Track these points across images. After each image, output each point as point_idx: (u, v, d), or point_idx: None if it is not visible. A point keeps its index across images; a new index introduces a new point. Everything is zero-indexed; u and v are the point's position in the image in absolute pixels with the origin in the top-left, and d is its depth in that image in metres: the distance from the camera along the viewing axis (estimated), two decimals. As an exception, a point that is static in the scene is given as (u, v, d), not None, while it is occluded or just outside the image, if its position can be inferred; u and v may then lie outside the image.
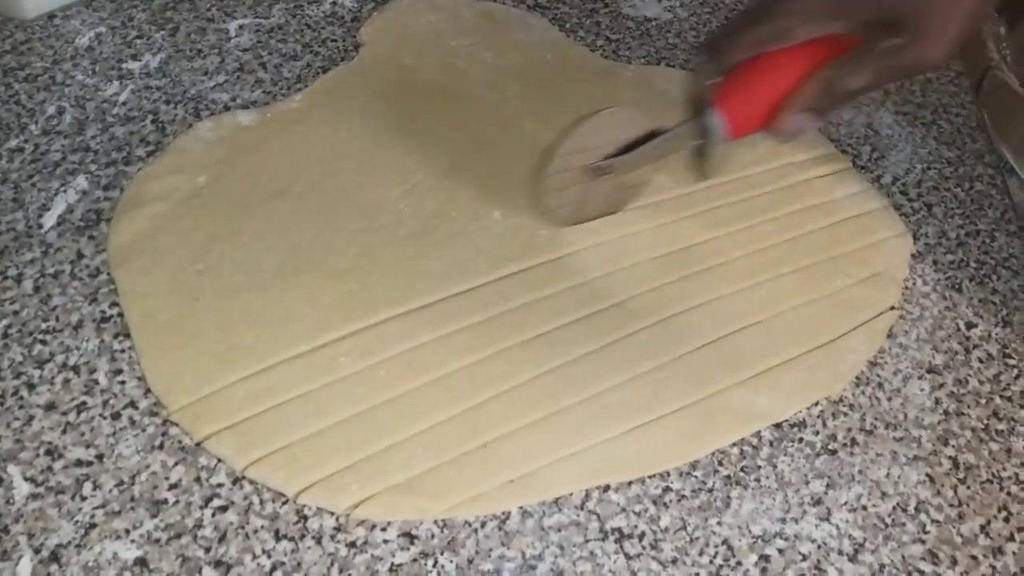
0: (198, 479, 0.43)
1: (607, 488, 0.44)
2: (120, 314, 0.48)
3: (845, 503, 0.45)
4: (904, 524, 0.45)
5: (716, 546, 0.43)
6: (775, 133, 0.46)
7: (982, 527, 0.45)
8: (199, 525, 0.41)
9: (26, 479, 0.42)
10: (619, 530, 0.43)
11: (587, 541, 0.42)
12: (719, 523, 0.44)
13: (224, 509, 0.42)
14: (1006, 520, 0.45)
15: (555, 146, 0.50)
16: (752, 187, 0.59)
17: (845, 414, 0.48)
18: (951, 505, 0.46)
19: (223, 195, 0.54)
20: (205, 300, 0.48)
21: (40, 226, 0.52)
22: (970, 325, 0.54)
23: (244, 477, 0.43)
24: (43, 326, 0.47)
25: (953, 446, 0.48)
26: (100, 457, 0.43)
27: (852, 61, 0.44)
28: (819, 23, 0.43)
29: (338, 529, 0.42)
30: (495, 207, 0.55)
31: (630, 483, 0.44)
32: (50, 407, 0.44)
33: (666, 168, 0.55)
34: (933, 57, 0.42)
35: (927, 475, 0.47)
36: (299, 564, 0.40)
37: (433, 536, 0.42)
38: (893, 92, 0.68)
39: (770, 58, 0.45)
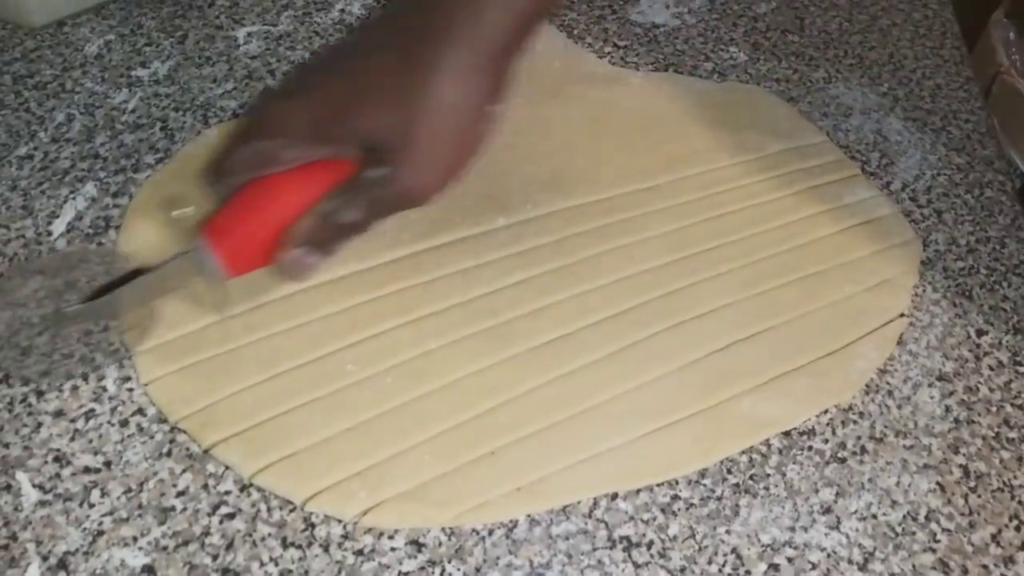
0: (205, 486, 0.43)
1: (615, 496, 0.44)
2: (128, 321, 0.48)
3: (855, 512, 0.45)
4: (914, 533, 0.44)
5: (725, 555, 0.42)
6: (280, 273, 0.43)
7: (993, 536, 0.45)
8: (206, 532, 0.41)
9: (34, 486, 0.42)
10: (627, 538, 0.43)
11: (595, 549, 0.42)
12: (728, 531, 0.43)
13: (231, 516, 0.42)
14: (1017, 529, 0.45)
15: None
16: (760, 194, 0.58)
17: (855, 422, 0.48)
18: (962, 514, 0.45)
19: (231, 202, 0.54)
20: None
21: (49, 233, 0.52)
22: (980, 332, 0.53)
23: (252, 484, 0.43)
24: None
25: (964, 454, 0.48)
26: (108, 464, 0.43)
27: (345, 192, 0.42)
28: (305, 148, 0.41)
29: (345, 537, 0.42)
30: (499, 214, 0.55)
31: (638, 491, 0.44)
32: (58, 414, 0.44)
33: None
34: (423, 186, 0.40)
35: (937, 484, 0.46)
36: (306, 572, 0.40)
37: (441, 544, 0.42)
38: (902, 98, 0.68)
39: (265, 184, 0.42)
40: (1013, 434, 0.49)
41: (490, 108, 0.42)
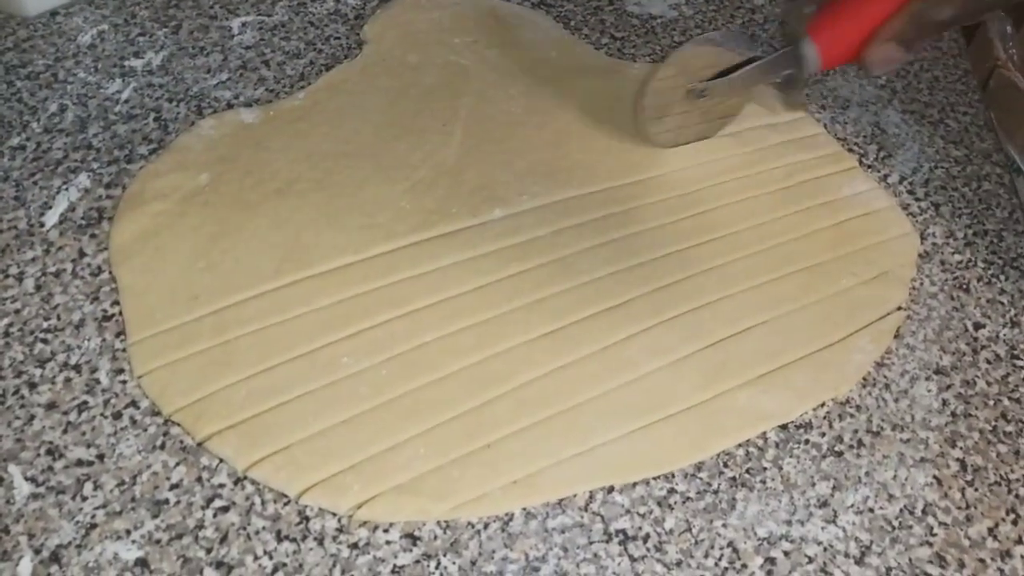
0: (199, 479, 0.42)
1: (611, 489, 0.44)
2: (122, 313, 0.48)
3: (852, 505, 0.44)
4: (911, 527, 0.44)
5: (721, 548, 0.42)
6: (864, 64, 0.47)
7: (990, 530, 0.45)
8: (200, 526, 0.41)
9: (27, 479, 0.42)
10: (623, 532, 0.42)
11: (591, 543, 0.42)
12: (724, 525, 0.43)
13: (226, 510, 0.42)
14: (1014, 523, 0.45)
15: (655, 69, 0.52)
16: (757, 186, 0.58)
17: (852, 415, 0.48)
18: (959, 508, 0.45)
19: (225, 193, 0.54)
20: (206, 298, 0.48)
21: (42, 224, 0.52)
22: (978, 326, 0.53)
23: (246, 477, 0.43)
24: (44, 325, 0.47)
25: (961, 448, 0.47)
26: (101, 457, 0.43)
27: None
28: None
29: (340, 530, 0.41)
30: (496, 205, 0.54)
31: (634, 484, 0.44)
32: (51, 406, 0.44)
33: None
34: None
35: (934, 477, 0.46)
36: (301, 565, 0.40)
37: (436, 537, 0.42)
38: (900, 91, 0.67)
39: None
40: (1010, 428, 0.49)
41: None
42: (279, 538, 0.41)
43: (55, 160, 0.55)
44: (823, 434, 0.47)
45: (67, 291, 0.49)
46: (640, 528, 0.43)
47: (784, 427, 0.47)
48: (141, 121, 0.58)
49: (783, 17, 0.48)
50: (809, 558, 0.42)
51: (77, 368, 0.46)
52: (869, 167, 0.62)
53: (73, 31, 0.64)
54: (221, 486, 0.42)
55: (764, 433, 0.47)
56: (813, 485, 0.45)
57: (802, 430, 0.47)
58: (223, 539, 0.41)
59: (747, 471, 0.45)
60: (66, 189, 0.53)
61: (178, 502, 0.42)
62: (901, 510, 0.45)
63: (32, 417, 0.44)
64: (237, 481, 0.42)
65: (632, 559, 0.42)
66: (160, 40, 0.64)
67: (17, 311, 0.48)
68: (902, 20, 0.45)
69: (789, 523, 0.43)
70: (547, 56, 0.65)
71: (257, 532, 0.41)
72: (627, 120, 0.59)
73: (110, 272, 0.50)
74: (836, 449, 0.47)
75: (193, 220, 0.52)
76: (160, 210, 0.52)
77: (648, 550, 0.42)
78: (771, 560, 0.42)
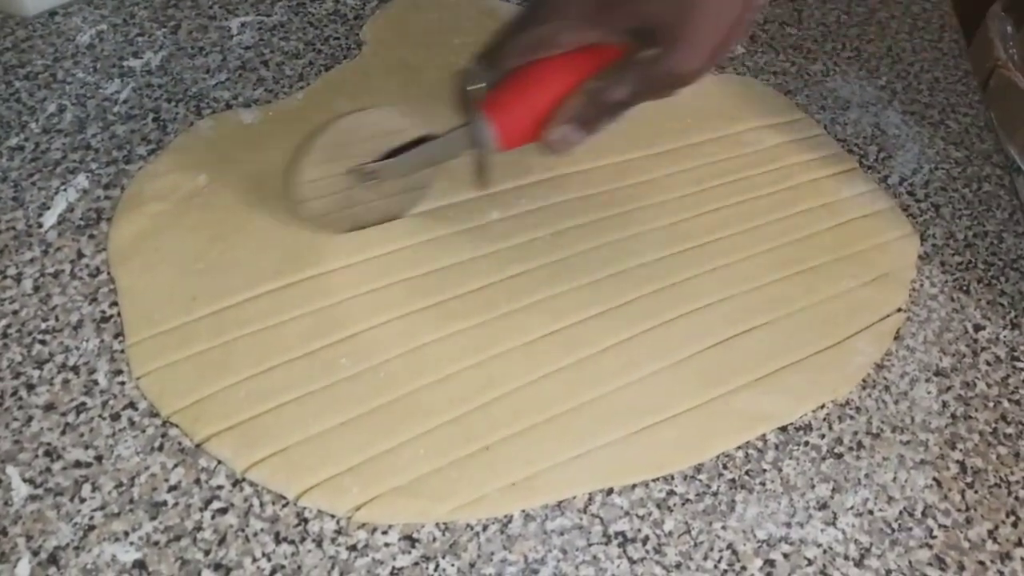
0: (198, 481, 0.42)
1: (610, 491, 0.44)
2: (120, 314, 0.48)
3: (851, 507, 0.44)
4: (911, 529, 0.44)
5: (721, 551, 0.42)
6: (545, 145, 0.46)
7: (990, 532, 0.45)
8: (199, 527, 0.41)
9: (25, 480, 0.42)
10: (622, 534, 0.42)
11: (590, 545, 0.42)
12: (724, 527, 0.43)
13: (224, 511, 0.41)
14: (1014, 525, 0.45)
15: (306, 146, 0.48)
16: (757, 187, 0.58)
17: (851, 417, 0.48)
18: (958, 510, 0.45)
19: (224, 194, 0.53)
20: (204, 299, 0.48)
21: (40, 225, 0.52)
22: (978, 327, 0.53)
23: (244, 479, 0.42)
24: (43, 326, 0.47)
25: (961, 450, 0.47)
26: (99, 458, 0.43)
27: (614, 72, 0.44)
28: (582, 31, 0.43)
29: (339, 532, 0.41)
30: (493, 208, 0.54)
31: (634, 486, 0.44)
32: (49, 408, 0.44)
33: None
34: (690, 67, 0.43)
35: (934, 479, 0.46)
36: (299, 567, 0.40)
37: (435, 539, 0.41)
38: (900, 92, 0.67)
39: (539, 67, 0.45)
40: (1010, 430, 0.49)
41: None
42: (277, 540, 0.41)
43: (53, 161, 0.55)
44: (823, 436, 0.47)
45: (65, 292, 0.49)
46: (639, 530, 0.43)
47: (784, 429, 0.47)
48: (140, 121, 0.58)
49: (456, 94, 0.46)
50: (809, 560, 0.42)
51: (75, 369, 0.46)
52: (869, 168, 0.62)
53: (72, 31, 0.63)
54: (219, 488, 0.42)
55: (764, 435, 0.47)
56: (813, 487, 0.45)
57: (802, 432, 0.47)
58: (221, 541, 0.40)
59: (746, 473, 0.45)
60: (64, 190, 0.53)
61: (176, 504, 0.41)
62: (901, 512, 0.45)
63: (30, 418, 0.44)
64: (235, 483, 0.42)
65: (631, 561, 0.41)
66: (159, 40, 0.63)
67: (15, 312, 0.48)
68: (579, 100, 0.44)
69: (789, 525, 0.43)
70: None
71: (255, 534, 0.41)
72: (627, 119, 0.58)
73: (108, 273, 0.49)
74: (836, 451, 0.47)
75: (192, 221, 0.52)
76: (159, 211, 0.52)
77: (647, 552, 0.42)
78: (770, 562, 0.42)
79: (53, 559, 0.39)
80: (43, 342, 0.46)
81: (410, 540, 0.41)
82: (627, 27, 0.43)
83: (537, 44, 0.44)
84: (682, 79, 0.43)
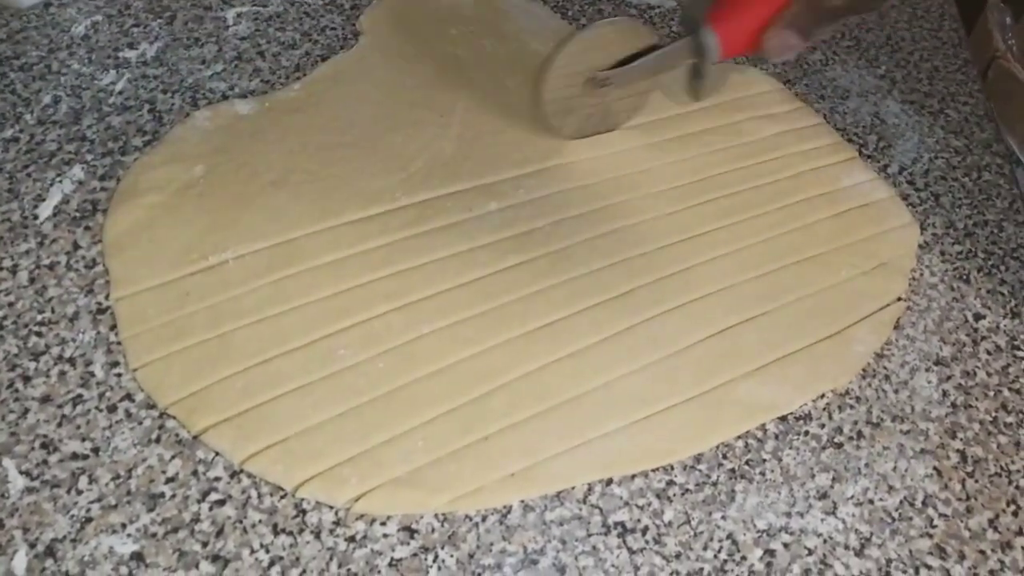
0: (195, 472, 0.42)
1: (610, 482, 0.44)
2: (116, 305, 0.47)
3: (851, 497, 0.44)
4: (911, 518, 0.44)
5: (720, 540, 0.42)
6: (763, 52, 0.48)
7: (990, 521, 0.44)
8: (196, 519, 0.41)
9: (21, 473, 0.41)
10: (622, 524, 0.42)
11: (589, 535, 0.42)
12: (723, 517, 0.43)
13: (222, 503, 0.41)
14: (1015, 514, 0.45)
15: (552, 55, 0.51)
16: (757, 176, 0.58)
17: (851, 407, 0.48)
18: (959, 499, 0.45)
19: (220, 185, 0.53)
20: (201, 291, 0.48)
21: (36, 216, 0.51)
22: (978, 316, 0.53)
23: (242, 471, 0.42)
24: (38, 318, 0.47)
25: (961, 439, 0.47)
26: (96, 450, 0.42)
27: None
28: None
29: (337, 523, 0.41)
30: (492, 198, 0.54)
31: (633, 477, 0.44)
32: (45, 400, 0.44)
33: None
34: None
35: (934, 468, 0.46)
36: (297, 559, 0.40)
37: (433, 530, 0.41)
38: (900, 81, 0.67)
39: None
40: (1010, 419, 0.48)
41: None
42: (275, 531, 0.41)
43: (49, 152, 0.55)
44: (823, 425, 0.47)
45: (61, 284, 0.48)
46: (639, 520, 0.42)
47: (783, 419, 0.47)
48: (135, 113, 0.57)
49: (682, 6, 0.48)
50: (809, 550, 0.42)
51: (72, 361, 0.45)
52: (869, 157, 0.61)
53: (67, 22, 0.63)
54: (217, 479, 0.42)
55: (763, 425, 0.46)
56: (813, 477, 0.45)
57: (801, 421, 0.47)
58: (219, 532, 0.40)
59: (746, 463, 0.45)
60: (60, 181, 0.53)
61: (174, 495, 0.41)
62: (901, 501, 0.44)
63: (26, 410, 0.43)
64: (233, 474, 0.42)
65: (631, 551, 0.41)
66: (154, 31, 0.63)
67: (11, 304, 0.47)
68: (798, 6, 0.46)
69: (788, 515, 0.43)
70: (545, 47, 0.65)
71: (253, 525, 0.41)
72: (626, 112, 0.58)
73: (104, 265, 0.49)
74: (836, 440, 0.46)
75: (188, 212, 0.51)
76: (155, 202, 0.52)
77: (647, 542, 0.42)
78: (770, 552, 0.42)
79: (50, 551, 0.39)
80: (39, 334, 0.46)
81: (409, 531, 0.41)
82: None
83: None
84: None
